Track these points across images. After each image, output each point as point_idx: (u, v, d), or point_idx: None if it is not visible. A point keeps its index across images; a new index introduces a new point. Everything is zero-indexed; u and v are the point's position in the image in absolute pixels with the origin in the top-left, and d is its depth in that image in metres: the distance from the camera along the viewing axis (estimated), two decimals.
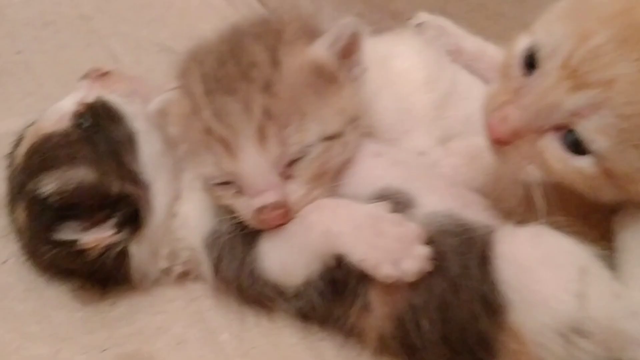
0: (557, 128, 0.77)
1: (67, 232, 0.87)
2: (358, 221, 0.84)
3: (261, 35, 0.88)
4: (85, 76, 0.97)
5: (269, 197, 0.84)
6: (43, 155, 0.90)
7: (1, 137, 1.10)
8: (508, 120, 0.79)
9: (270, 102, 0.82)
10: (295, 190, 0.85)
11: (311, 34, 0.89)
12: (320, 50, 0.86)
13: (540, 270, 0.81)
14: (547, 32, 0.77)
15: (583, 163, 0.76)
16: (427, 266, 0.81)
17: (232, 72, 0.85)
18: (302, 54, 0.86)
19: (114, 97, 0.94)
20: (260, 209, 0.84)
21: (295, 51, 0.86)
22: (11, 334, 0.90)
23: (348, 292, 0.85)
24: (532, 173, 0.81)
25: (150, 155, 0.93)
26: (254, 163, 0.83)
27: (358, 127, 0.90)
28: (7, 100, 1.26)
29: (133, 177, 0.91)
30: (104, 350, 0.88)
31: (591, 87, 0.73)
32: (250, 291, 0.91)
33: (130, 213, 0.90)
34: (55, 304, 0.94)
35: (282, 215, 0.85)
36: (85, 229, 0.88)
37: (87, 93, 0.94)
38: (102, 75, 0.96)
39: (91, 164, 0.89)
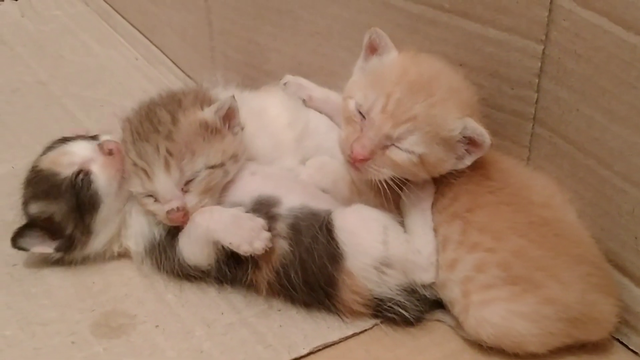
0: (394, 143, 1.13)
1: (27, 241, 1.25)
2: (226, 219, 1.19)
3: (166, 103, 1.24)
4: (100, 146, 1.27)
5: (174, 204, 1.20)
6: (43, 184, 1.25)
7: None
8: (365, 146, 1.12)
9: (170, 145, 1.18)
10: (190, 200, 1.21)
11: (204, 100, 1.24)
12: (209, 114, 1.21)
13: (360, 231, 1.18)
14: (364, 96, 1.15)
15: (412, 158, 1.12)
16: (269, 244, 1.16)
17: (147, 128, 1.21)
18: (194, 115, 1.21)
19: (103, 178, 1.25)
20: (169, 211, 1.20)
21: (189, 113, 1.21)
22: (30, 306, 1.24)
23: (245, 260, 1.19)
24: (385, 173, 1.14)
25: (104, 217, 1.26)
26: (163, 183, 1.19)
27: (238, 160, 1.24)
28: None
29: (84, 227, 1.26)
30: (93, 310, 1.23)
31: (405, 122, 1.11)
32: (183, 272, 1.26)
33: (69, 244, 1.27)
34: (58, 285, 1.28)
35: (183, 215, 1.20)
36: (40, 240, 1.26)
37: (93, 158, 1.26)
38: (109, 153, 1.26)
39: (63, 208, 1.25)
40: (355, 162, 1.14)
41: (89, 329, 1.21)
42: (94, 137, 1.32)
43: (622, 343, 1.19)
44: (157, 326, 1.21)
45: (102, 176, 1.26)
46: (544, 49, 1.14)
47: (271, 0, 1.53)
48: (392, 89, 1.12)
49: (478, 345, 1.16)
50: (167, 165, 1.19)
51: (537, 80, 1.17)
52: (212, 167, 1.22)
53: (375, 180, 1.15)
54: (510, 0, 1.15)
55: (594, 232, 1.17)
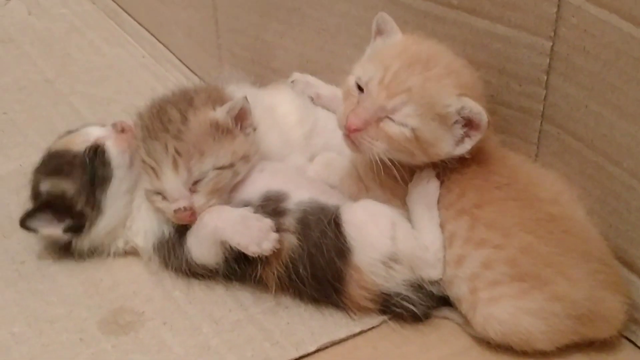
0: (388, 115, 1.13)
1: (35, 222, 1.24)
2: (234, 219, 1.19)
3: (177, 102, 1.24)
4: (114, 125, 1.31)
5: (181, 203, 1.20)
6: (56, 162, 1.27)
7: (2, 178, 1.48)
8: (360, 115, 1.12)
9: (179, 145, 1.18)
10: (198, 200, 1.21)
11: (217, 99, 1.24)
12: (220, 114, 1.21)
13: (368, 226, 1.18)
14: (363, 70, 1.16)
15: (405, 132, 1.12)
16: (277, 245, 1.16)
17: (156, 126, 1.21)
18: (205, 115, 1.20)
19: (115, 151, 1.28)
20: (176, 210, 1.20)
21: (199, 113, 1.21)
22: (38, 303, 1.24)
23: (254, 257, 1.18)
24: (379, 146, 1.13)
25: (114, 194, 1.27)
26: (171, 182, 1.20)
27: (249, 161, 1.24)
28: (2, 150, 1.58)
29: (94, 203, 1.27)
30: (101, 307, 1.23)
31: (399, 94, 1.12)
32: (190, 271, 1.26)
33: (78, 224, 1.27)
34: (66, 283, 1.28)
35: (190, 215, 1.21)
36: (49, 222, 1.25)
37: (106, 136, 1.29)
38: (122, 131, 1.30)
39: (75, 183, 1.26)
40: (350, 134, 1.14)
41: (96, 326, 1.21)
42: (103, 127, 1.34)
43: (630, 341, 1.19)
44: (164, 323, 1.22)
45: (114, 149, 1.28)
46: (552, 46, 1.14)
47: None
48: (391, 63, 1.13)
49: (486, 342, 1.16)
50: (175, 165, 1.19)
51: (545, 77, 1.17)
52: (221, 167, 1.22)
53: (371, 157, 1.14)
54: None
55: (603, 229, 1.17)
